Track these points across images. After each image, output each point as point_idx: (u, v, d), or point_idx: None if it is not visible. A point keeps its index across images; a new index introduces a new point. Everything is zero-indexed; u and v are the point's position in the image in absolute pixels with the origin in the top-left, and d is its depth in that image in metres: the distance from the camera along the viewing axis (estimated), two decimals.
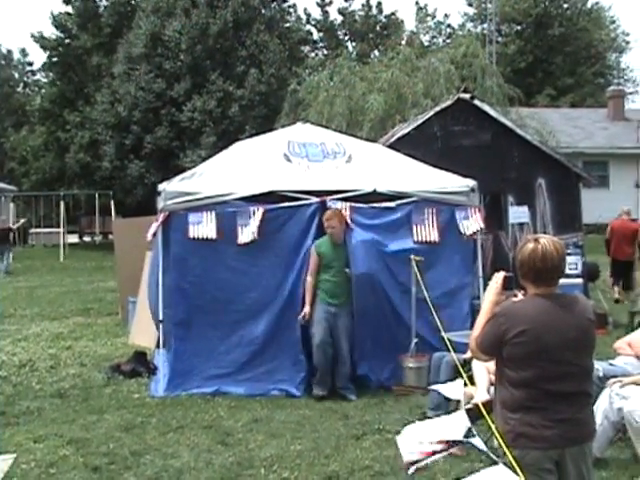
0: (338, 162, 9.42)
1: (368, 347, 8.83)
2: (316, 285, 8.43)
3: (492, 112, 13.01)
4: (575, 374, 3.76)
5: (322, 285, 8.40)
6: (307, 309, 8.32)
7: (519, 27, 50.46)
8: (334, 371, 8.40)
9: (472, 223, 9.31)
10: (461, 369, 6.65)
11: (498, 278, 4.08)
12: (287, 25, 37.90)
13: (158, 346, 8.96)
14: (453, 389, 7.01)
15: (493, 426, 3.98)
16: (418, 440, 5.10)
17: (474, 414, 5.97)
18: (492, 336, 3.77)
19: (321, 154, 9.47)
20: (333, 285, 8.37)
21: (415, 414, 7.55)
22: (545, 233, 12.27)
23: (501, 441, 4.13)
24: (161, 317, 8.73)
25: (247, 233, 8.53)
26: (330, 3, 49.34)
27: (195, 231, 8.57)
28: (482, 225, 9.47)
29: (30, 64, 61.76)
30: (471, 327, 8.42)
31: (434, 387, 7.30)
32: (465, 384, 6.56)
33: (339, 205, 8.78)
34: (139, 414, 7.83)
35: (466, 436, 5.07)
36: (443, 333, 7.85)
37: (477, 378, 6.61)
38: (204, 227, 8.58)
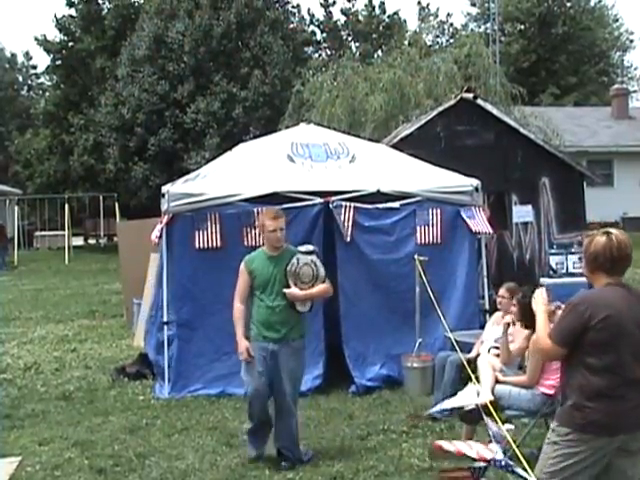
0: (341, 162, 9.43)
1: (372, 347, 8.85)
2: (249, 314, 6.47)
3: (495, 111, 12.98)
4: None
5: (255, 314, 6.38)
6: (244, 344, 6.25)
7: (522, 26, 50.36)
8: (276, 426, 6.50)
9: (479, 224, 9.30)
10: (467, 367, 6.65)
11: (542, 292, 4.36)
12: (291, 26, 37.87)
13: (161, 347, 8.91)
14: (464, 398, 6.91)
15: (498, 424, 4.00)
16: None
17: (477, 414, 5.96)
18: (575, 325, 3.90)
19: (324, 154, 9.49)
20: (270, 313, 6.28)
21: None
22: (549, 232, 12.30)
23: (509, 439, 4.18)
24: (165, 319, 8.73)
25: (252, 235, 8.52)
26: (333, 3, 49.33)
27: (200, 240, 8.59)
28: (491, 230, 9.47)
29: (34, 67, 62.14)
30: (480, 327, 8.46)
31: (445, 404, 7.03)
32: (470, 379, 6.55)
33: (343, 205, 8.79)
34: (144, 416, 7.85)
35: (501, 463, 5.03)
36: (449, 333, 7.85)
37: (482, 377, 6.58)
38: (209, 234, 8.58)
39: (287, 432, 6.42)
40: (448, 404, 6.77)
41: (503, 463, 4.82)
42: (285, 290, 6.27)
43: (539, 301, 4.31)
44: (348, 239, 8.77)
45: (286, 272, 6.31)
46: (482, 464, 5.04)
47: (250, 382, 6.34)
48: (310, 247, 6.62)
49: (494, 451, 4.92)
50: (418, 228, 9.09)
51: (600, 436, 3.85)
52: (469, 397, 6.69)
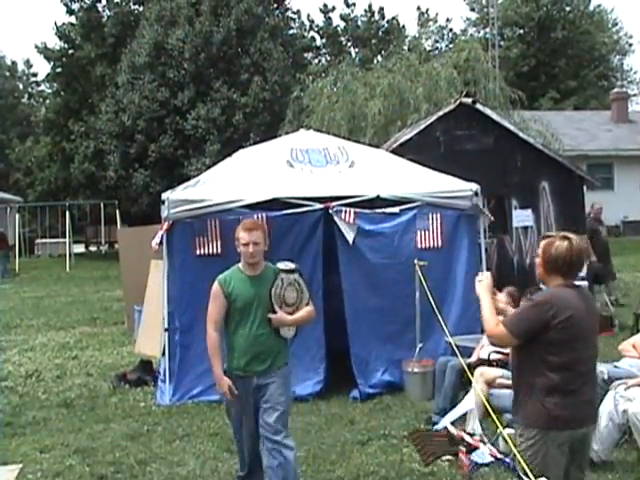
0: (341, 167, 9.44)
1: (374, 353, 8.84)
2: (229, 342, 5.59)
3: (494, 116, 12.98)
4: (594, 357, 4.22)
5: (235, 344, 5.51)
6: (226, 381, 5.40)
7: (522, 31, 50.50)
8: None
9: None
10: (468, 372, 6.65)
11: (488, 275, 4.51)
12: (291, 32, 37.93)
13: (164, 354, 8.92)
14: (462, 409, 6.91)
15: (499, 429, 4.08)
16: None
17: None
18: (535, 320, 4.01)
19: (324, 159, 9.50)
20: (253, 342, 5.42)
21: (421, 419, 7.56)
22: None
23: (510, 442, 4.22)
24: (166, 325, 8.72)
25: None
26: (333, 9, 49.48)
27: (201, 247, 8.60)
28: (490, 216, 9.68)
29: (34, 75, 62.19)
30: (480, 331, 8.47)
31: (445, 423, 6.96)
32: (470, 383, 6.56)
33: (343, 210, 8.80)
34: (145, 423, 7.85)
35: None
36: (449, 337, 7.85)
37: (462, 403, 6.63)
38: (209, 240, 8.59)
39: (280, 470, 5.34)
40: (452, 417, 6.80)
41: (510, 464, 4.86)
42: (271, 315, 5.41)
43: (484, 284, 4.42)
44: (351, 239, 8.76)
45: (271, 295, 5.46)
46: (486, 460, 5.09)
47: (239, 427, 5.60)
48: (291, 265, 5.65)
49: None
50: (418, 232, 9.09)
51: (563, 430, 3.99)
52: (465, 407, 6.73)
